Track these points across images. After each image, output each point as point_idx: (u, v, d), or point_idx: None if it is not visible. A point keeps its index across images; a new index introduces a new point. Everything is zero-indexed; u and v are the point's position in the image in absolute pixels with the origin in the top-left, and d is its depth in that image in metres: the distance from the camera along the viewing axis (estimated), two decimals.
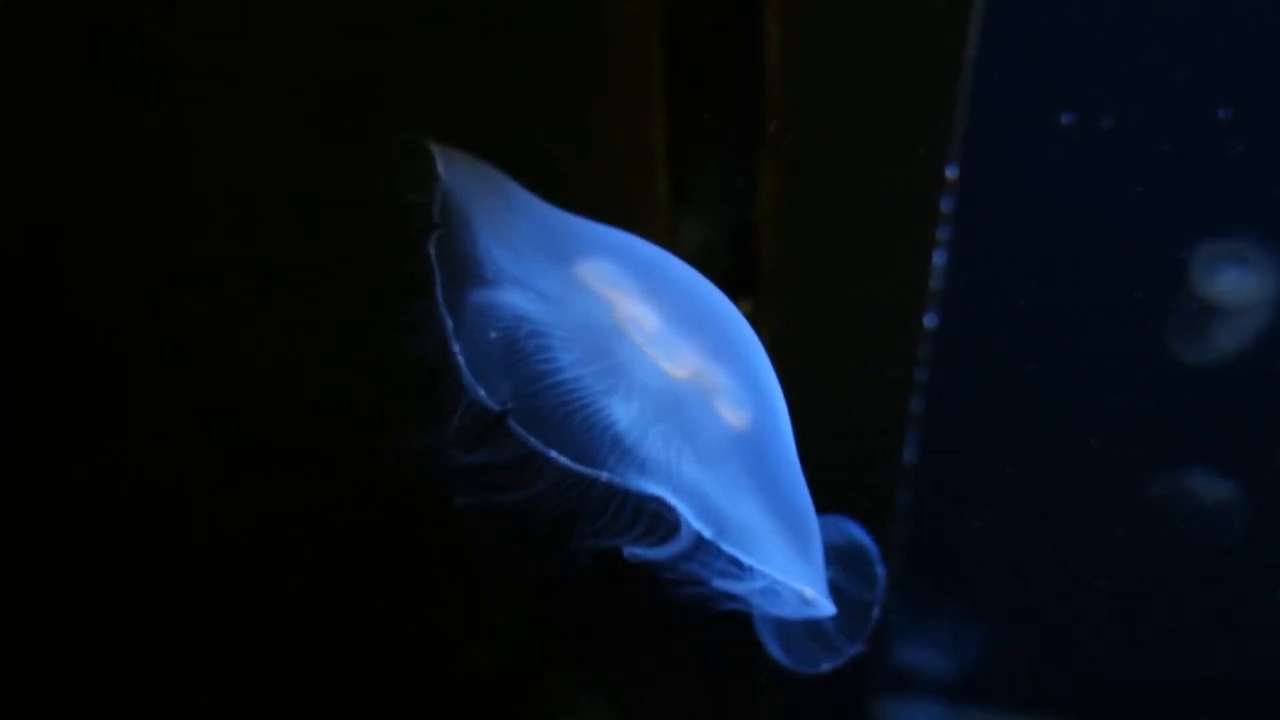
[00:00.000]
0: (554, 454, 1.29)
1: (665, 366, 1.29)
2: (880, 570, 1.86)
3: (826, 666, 1.86)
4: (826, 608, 1.33)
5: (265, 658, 2.09)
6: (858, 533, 1.86)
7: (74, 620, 1.99)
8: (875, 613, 1.84)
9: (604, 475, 1.29)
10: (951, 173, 1.82)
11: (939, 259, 1.93)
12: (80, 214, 1.67)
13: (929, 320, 2.00)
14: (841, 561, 1.78)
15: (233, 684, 2.09)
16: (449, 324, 1.27)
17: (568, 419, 1.30)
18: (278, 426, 1.88)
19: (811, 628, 1.84)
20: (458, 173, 1.28)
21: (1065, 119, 2.39)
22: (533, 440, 1.29)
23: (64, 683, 2.03)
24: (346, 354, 1.80)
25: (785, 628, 1.87)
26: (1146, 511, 2.68)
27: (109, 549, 1.94)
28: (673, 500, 1.28)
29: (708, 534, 1.29)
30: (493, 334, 1.29)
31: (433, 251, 1.27)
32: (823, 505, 1.37)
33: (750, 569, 1.30)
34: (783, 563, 1.32)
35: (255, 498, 1.92)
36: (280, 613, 2.05)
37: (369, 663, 2.12)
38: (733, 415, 1.31)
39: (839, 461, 1.60)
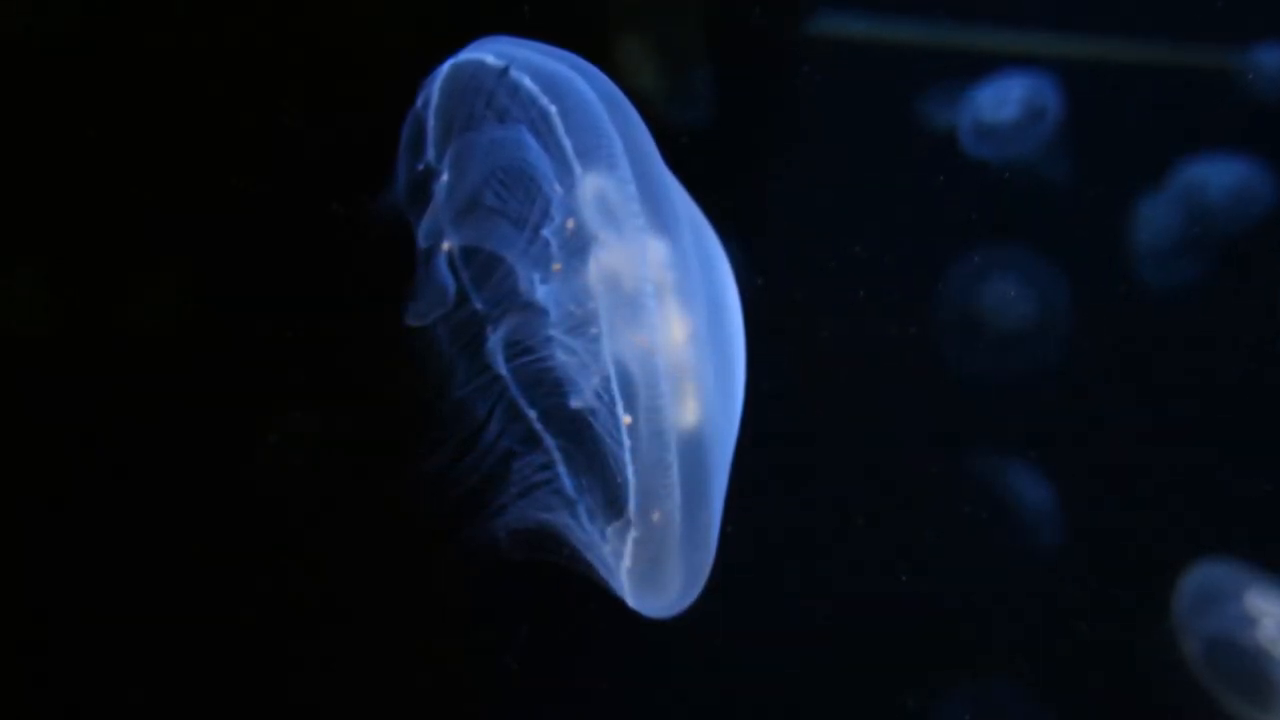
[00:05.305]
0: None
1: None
2: None
3: None
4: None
5: (264, 664, 2.16)
6: None
7: (75, 622, 2.11)
8: None
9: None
10: None
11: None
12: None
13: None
14: None
15: (231, 685, 2.17)
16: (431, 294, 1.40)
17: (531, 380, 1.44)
18: (273, 430, 2.01)
19: None
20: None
21: None
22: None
23: (63, 683, 2.14)
24: (338, 349, 1.91)
25: None
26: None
27: (110, 554, 2.06)
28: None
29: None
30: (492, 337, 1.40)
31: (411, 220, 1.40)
32: None
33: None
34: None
35: (252, 503, 2.03)
36: (279, 619, 2.13)
37: (366, 669, 2.20)
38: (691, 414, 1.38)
39: None
